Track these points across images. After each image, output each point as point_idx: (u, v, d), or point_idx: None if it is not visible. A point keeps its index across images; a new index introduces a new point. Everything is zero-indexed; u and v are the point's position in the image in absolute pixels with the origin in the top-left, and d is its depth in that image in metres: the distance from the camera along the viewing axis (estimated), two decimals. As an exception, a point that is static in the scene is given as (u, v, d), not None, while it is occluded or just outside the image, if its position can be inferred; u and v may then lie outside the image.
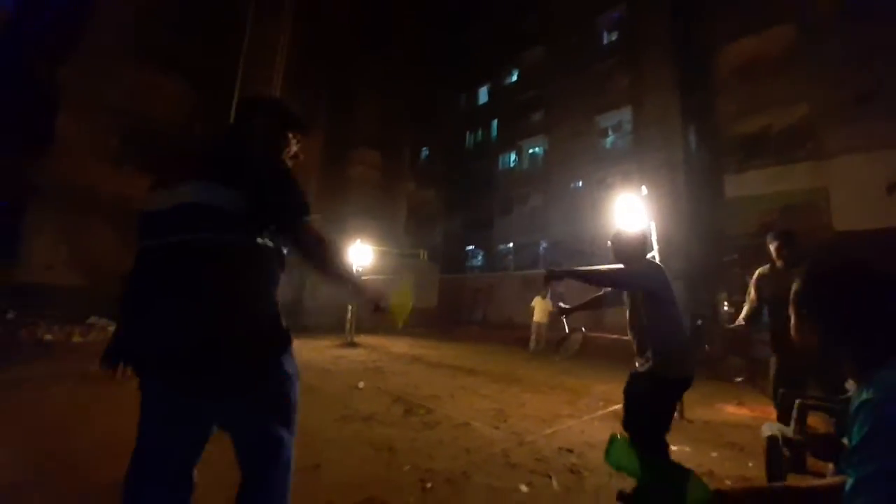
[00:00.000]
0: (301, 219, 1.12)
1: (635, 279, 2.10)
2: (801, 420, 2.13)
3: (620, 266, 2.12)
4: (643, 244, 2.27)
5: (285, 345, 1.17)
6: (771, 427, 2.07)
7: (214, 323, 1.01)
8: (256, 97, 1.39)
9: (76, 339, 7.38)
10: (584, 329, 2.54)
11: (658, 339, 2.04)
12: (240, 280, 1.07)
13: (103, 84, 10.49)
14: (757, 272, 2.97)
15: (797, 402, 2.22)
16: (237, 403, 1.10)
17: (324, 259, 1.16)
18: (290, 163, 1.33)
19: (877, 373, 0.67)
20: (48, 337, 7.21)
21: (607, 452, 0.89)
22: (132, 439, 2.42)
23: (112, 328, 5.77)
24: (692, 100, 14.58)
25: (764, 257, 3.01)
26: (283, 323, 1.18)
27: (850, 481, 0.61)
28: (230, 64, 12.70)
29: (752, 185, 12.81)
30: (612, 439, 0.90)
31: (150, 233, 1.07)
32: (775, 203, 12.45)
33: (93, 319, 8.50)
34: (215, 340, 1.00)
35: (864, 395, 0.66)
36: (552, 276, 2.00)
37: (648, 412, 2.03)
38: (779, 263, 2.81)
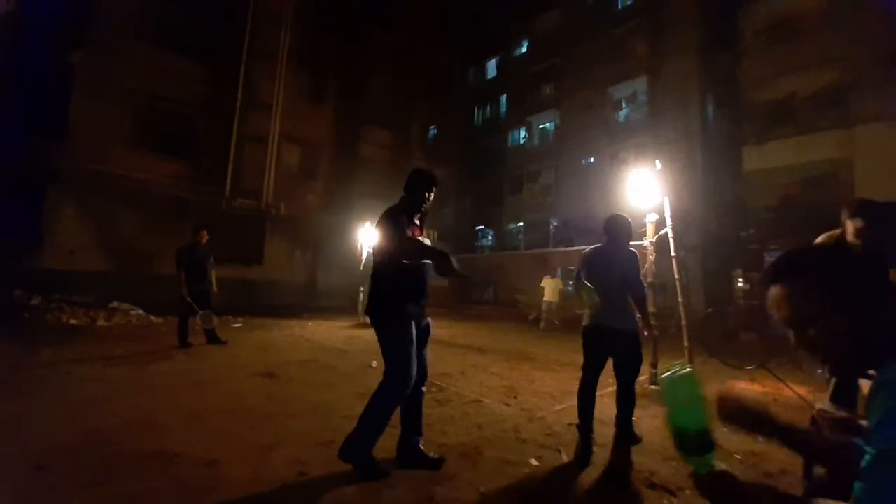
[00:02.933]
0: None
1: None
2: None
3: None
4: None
5: (389, 311, 2.23)
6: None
7: (373, 296, 2.30)
8: (414, 172, 2.44)
9: (101, 323, 7.64)
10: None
11: None
12: (383, 278, 2.26)
13: (115, 66, 10.49)
14: (823, 238, 2.28)
15: None
16: (377, 328, 2.27)
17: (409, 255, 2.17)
18: (429, 204, 2.40)
19: None
20: (73, 321, 7.48)
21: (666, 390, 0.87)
22: (155, 416, 2.58)
23: (134, 311, 5.95)
24: (712, 66, 13.90)
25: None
26: (394, 302, 2.24)
27: (867, 458, 0.61)
28: (237, 39, 12.54)
29: (772, 156, 12.32)
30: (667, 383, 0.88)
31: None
32: (795, 175, 12.00)
33: (115, 304, 8.78)
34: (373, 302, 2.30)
35: (888, 374, 0.65)
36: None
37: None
38: (855, 243, 2.07)
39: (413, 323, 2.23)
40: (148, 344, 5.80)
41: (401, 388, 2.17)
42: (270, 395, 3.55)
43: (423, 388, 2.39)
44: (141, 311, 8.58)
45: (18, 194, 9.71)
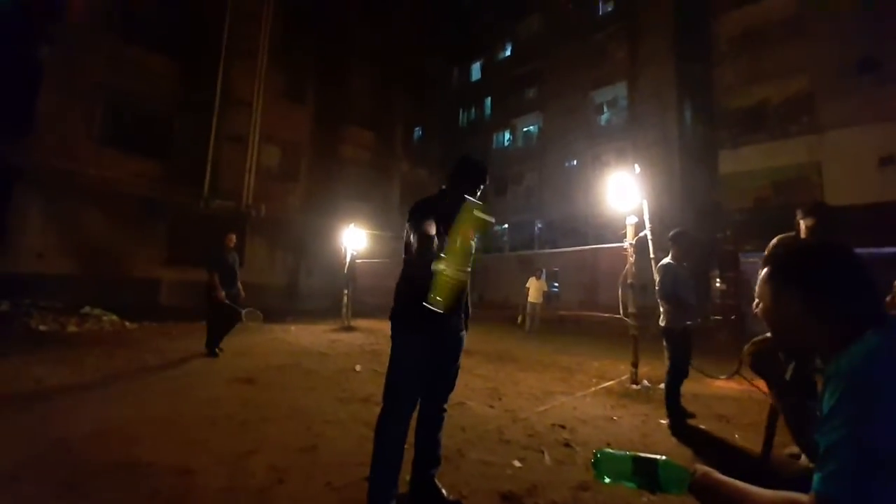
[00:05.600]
0: None
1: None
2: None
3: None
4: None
5: (395, 315, 1.90)
6: None
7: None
8: (466, 160, 2.00)
9: (71, 328, 7.33)
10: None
11: None
12: (402, 277, 1.92)
13: (85, 61, 10.11)
14: (776, 241, 2.44)
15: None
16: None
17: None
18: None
19: (850, 347, 0.69)
20: (42, 327, 7.16)
21: (597, 474, 0.85)
22: (127, 424, 2.45)
23: (106, 317, 5.72)
24: (689, 72, 14.31)
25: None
26: (401, 305, 1.88)
27: (821, 448, 0.64)
28: (214, 36, 12.25)
29: (746, 160, 12.75)
30: (595, 461, 0.86)
31: None
32: (768, 178, 12.44)
33: (87, 309, 8.43)
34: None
35: (835, 366, 0.69)
36: None
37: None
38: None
39: (422, 334, 1.81)
40: (121, 350, 5.58)
41: (386, 413, 1.87)
42: (248, 401, 3.46)
43: (444, 414, 2.01)
44: (114, 317, 8.27)
45: (-18, 195, 9.26)
